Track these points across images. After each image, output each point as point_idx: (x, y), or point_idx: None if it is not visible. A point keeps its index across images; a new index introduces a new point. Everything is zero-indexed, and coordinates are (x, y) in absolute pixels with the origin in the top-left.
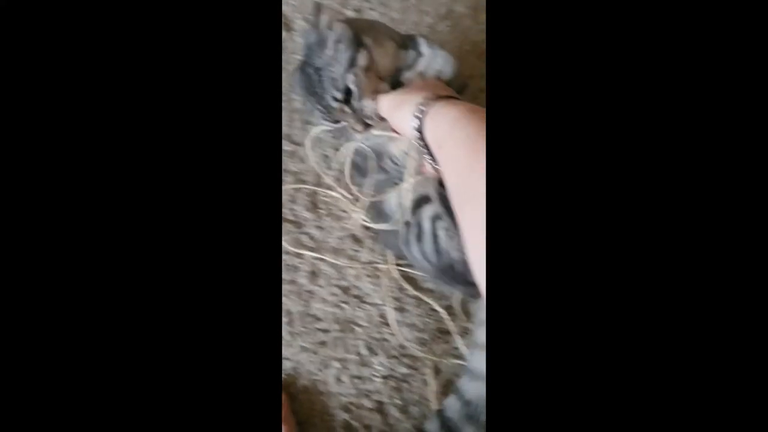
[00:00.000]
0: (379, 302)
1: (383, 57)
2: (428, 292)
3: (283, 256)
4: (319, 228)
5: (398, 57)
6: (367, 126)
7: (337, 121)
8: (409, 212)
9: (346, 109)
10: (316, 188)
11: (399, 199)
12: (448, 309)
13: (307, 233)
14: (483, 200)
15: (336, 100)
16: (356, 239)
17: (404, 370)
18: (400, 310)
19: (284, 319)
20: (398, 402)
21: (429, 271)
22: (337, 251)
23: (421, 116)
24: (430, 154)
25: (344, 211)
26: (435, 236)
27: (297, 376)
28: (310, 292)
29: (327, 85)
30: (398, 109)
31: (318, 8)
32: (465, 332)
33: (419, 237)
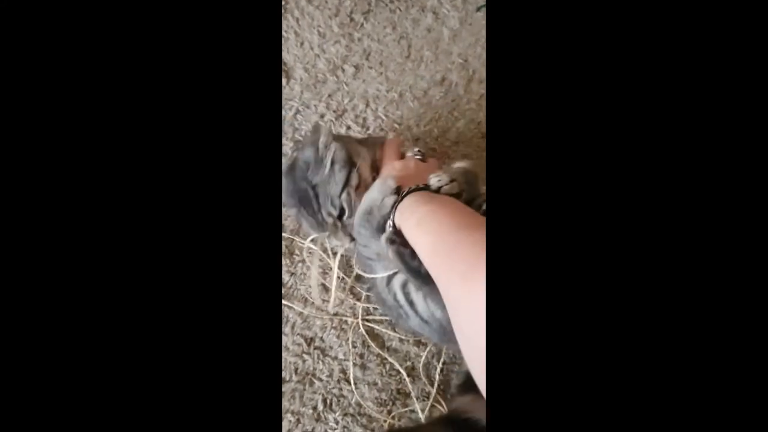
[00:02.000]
0: (342, 357)
1: (369, 171)
2: (393, 351)
3: None
4: (292, 274)
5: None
6: (353, 240)
7: (325, 232)
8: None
9: (338, 224)
10: (293, 237)
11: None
12: (410, 371)
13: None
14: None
15: (330, 216)
16: (326, 288)
17: (359, 430)
18: (363, 367)
19: None
20: None
21: (435, 337)
22: (306, 301)
23: (394, 226)
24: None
25: (320, 260)
26: (411, 303)
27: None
28: None
29: (323, 201)
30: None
31: (317, 128)
32: (425, 396)
33: (405, 313)
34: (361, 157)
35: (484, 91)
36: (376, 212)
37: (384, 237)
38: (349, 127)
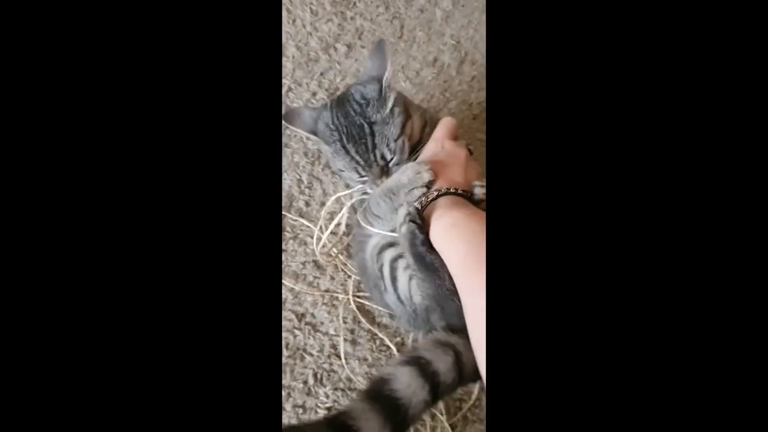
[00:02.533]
0: (333, 332)
1: (420, 129)
2: (383, 327)
3: None
4: (282, 251)
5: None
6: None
7: (363, 178)
8: (374, 258)
9: (386, 169)
10: (285, 213)
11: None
12: (400, 346)
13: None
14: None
15: (383, 158)
16: (318, 266)
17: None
18: (353, 342)
19: None
20: None
21: (401, 318)
22: (297, 276)
23: (419, 208)
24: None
25: (310, 237)
26: (394, 279)
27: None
28: None
29: (379, 141)
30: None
31: (381, 50)
32: None
33: (384, 286)
34: (415, 110)
35: (475, 73)
36: (402, 196)
37: (404, 212)
38: None
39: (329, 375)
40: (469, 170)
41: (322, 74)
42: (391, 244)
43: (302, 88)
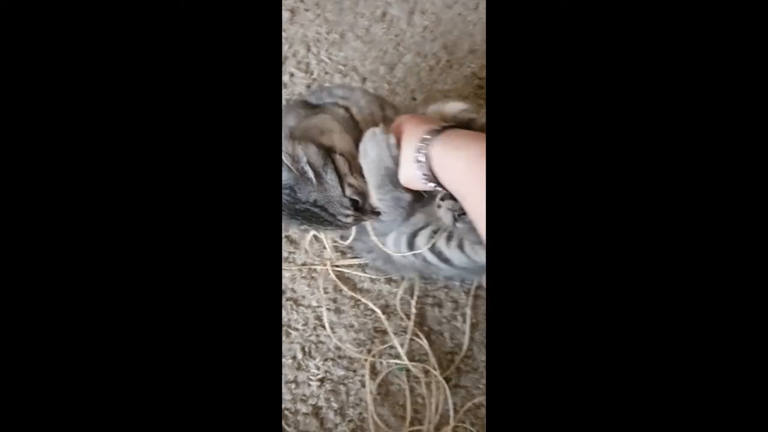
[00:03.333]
0: (315, 304)
1: (349, 143)
2: (365, 292)
3: None
4: None
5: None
6: (377, 214)
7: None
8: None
9: (359, 215)
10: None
11: None
12: (384, 308)
13: None
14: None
15: (348, 216)
16: (291, 241)
17: (341, 372)
18: (337, 311)
19: None
20: (335, 405)
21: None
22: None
23: (425, 154)
24: (439, 183)
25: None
26: (446, 260)
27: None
28: None
29: (333, 210)
30: (405, 140)
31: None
32: (402, 330)
33: (437, 269)
34: (329, 132)
35: (427, 23)
36: (386, 172)
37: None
38: (292, 74)
39: (317, 347)
40: (422, 120)
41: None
42: (414, 234)
43: None
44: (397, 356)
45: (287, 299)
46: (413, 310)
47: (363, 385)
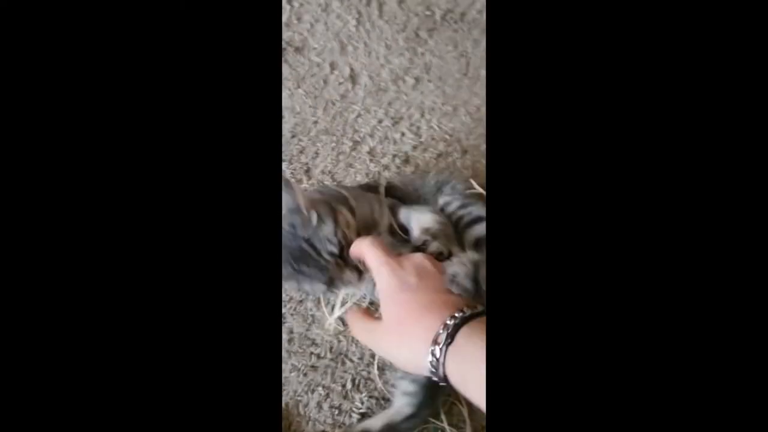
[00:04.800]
0: None
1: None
2: None
3: None
4: None
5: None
6: (360, 274)
7: (331, 282)
8: None
9: (340, 261)
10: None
11: None
12: None
13: None
14: None
15: (332, 254)
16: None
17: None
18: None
19: (285, 336)
20: None
21: None
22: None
23: (438, 360)
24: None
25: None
26: None
27: (282, 391)
28: (314, 317)
29: (320, 245)
30: (403, 343)
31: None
32: (447, 393)
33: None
34: (338, 201)
35: None
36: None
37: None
38: (403, 134)
39: (366, 383)
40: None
41: (389, 103)
42: None
43: (370, 114)
44: (436, 415)
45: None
46: None
47: None
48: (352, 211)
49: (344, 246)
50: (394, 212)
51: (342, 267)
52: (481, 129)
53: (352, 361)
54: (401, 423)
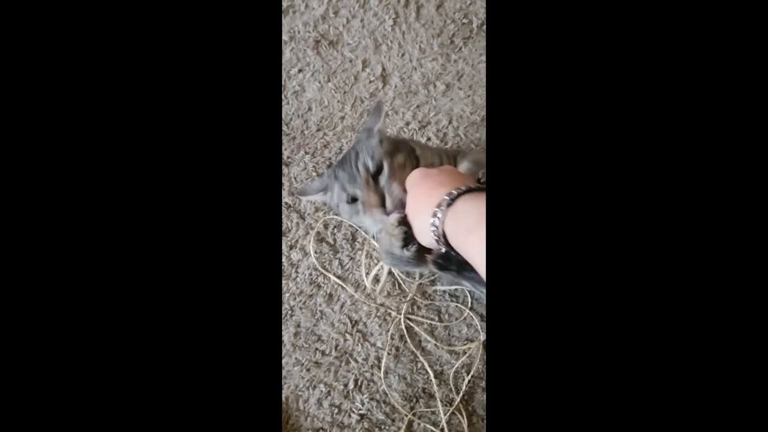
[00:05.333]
0: (380, 345)
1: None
2: (426, 353)
3: (312, 272)
4: (351, 258)
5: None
6: (383, 205)
7: (353, 200)
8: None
9: (371, 181)
10: (359, 227)
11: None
12: (439, 375)
13: (339, 259)
14: None
15: (366, 168)
16: (378, 280)
17: (381, 416)
18: (396, 359)
19: (292, 330)
20: None
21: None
22: (358, 285)
23: (439, 219)
24: (450, 246)
25: (375, 251)
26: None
27: (283, 384)
28: (322, 312)
29: (362, 154)
30: (417, 211)
31: (379, 108)
32: (448, 402)
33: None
34: (404, 147)
35: None
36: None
37: (432, 259)
38: (429, 139)
39: (368, 384)
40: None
41: (418, 107)
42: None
43: (398, 116)
44: (436, 423)
45: (357, 330)
46: (464, 387)
47: None
48: (416, 159)
49: (382, 172)
50: (455, 163)
51: (370, 187)
52: None
53: (356, 361)
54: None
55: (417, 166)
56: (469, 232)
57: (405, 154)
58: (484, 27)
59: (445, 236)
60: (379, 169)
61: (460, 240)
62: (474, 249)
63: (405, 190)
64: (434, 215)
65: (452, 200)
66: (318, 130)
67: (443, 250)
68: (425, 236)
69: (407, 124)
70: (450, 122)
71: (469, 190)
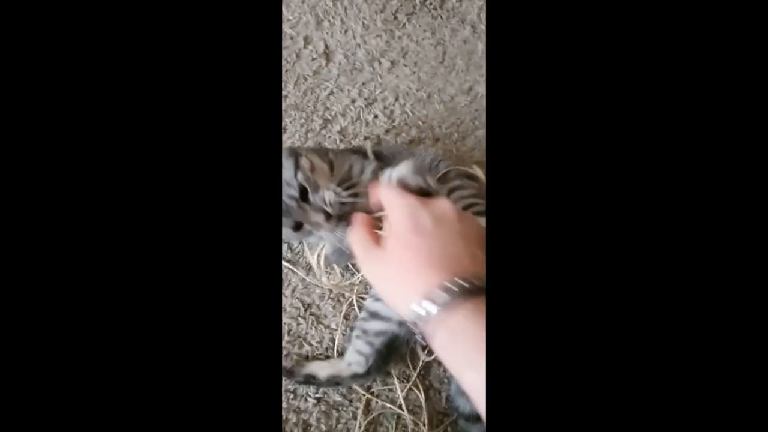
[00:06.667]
0: (334, 327)
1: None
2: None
3: None
4: (300, 242)
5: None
6: (328, 216)
7: (299, 227)
8: None
9: (304, 205)
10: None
11: None
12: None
13: (288, 244)
14: None
15: (292, 198)
16: (329, 263)
17: (338, 398)
18: (350, 340)
19: None
20: (323, 427)
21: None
22: (310, 269)
23: (429, 318)
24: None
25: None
26: None
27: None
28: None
29: (283, 190)
30: (399, 286)
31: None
32: (405, 378)
33: None
34: (313, 153)
35: None
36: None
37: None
38: (376, 116)
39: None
40: (470, 238)
41: (363, 84)
42: None
43: (343, 93)
44: (393, 401)
45: (311, 314)
46: (420, 363)
47: (354, 417)
48: (330, 164)
49: (306, 190)
50: (376, 174)
51: (305, 210)
52: (454, 118)
53: (310, 344)
54: (346, 379)
55: (332, 166)
56: (467, 364)
57: (316, 156)
58: (428, 3)
59: (427, 336)
60: (303, 189)
61: (453, 363)
62: (471, 385)
63: (332, 191)
64: (425, 308)
65: (449, 303)
66: None
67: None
68: (402, 313)
69: (353, 101)
70: (396, 99)
71: (472, 291)
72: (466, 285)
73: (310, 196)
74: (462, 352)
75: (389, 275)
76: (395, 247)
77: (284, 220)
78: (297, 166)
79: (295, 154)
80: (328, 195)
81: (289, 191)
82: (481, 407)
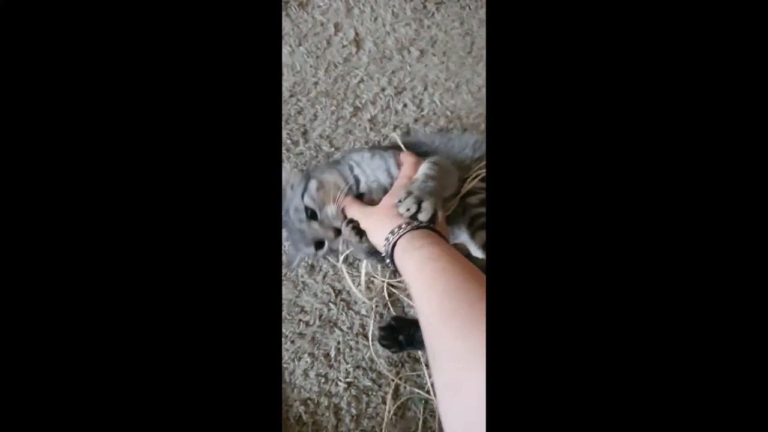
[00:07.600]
0: (365, 313)
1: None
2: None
3: None
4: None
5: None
6: (338, 231)
7: (319, 245)
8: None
9: (314, 225)
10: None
11: None
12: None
13: None
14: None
15: (301, 221)
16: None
17: (368, 383)
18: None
19: None
20: (354, 411)
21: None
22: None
23: (389, 245)
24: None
25: None
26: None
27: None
28: (304, 283)
29: (293, 216)
30: (374, 231)
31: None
32: None
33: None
34: (318, 171)
35: None
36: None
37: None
38: (405, 105)
39: (354, 353)
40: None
41: (393, 72)
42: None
43: (373, 81)
44: (422, 386)
45: (342, 300)
46: None
47: (383, 402)
48: (320, 181)
49: (314, 210)
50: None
51: (316, 230)
52: (482, 109)
53: (341, 329)
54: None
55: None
56: (416, 268)
57: (327, 173)
58: None
59: (392, 256)
60: (310, 211)
61: (405, 269)
62: (421, 282)
63: (336, 201)
64: (386, 239)
65: (401, 233)
66: (291, 96)
67: (387, 261)
68: (377, 245)
69: (383, 89)
70: (425, 88)
71: (418, 227)
72: (415, 222)
73: (319, 216)
74: (411, 259)
75: (373, 220)
76: (379, 208)
77: (304, 241)
78: (305, 189)
79: (308, 176)
80: (330, 211)
81: (299, 215)
82: (422, 304)
